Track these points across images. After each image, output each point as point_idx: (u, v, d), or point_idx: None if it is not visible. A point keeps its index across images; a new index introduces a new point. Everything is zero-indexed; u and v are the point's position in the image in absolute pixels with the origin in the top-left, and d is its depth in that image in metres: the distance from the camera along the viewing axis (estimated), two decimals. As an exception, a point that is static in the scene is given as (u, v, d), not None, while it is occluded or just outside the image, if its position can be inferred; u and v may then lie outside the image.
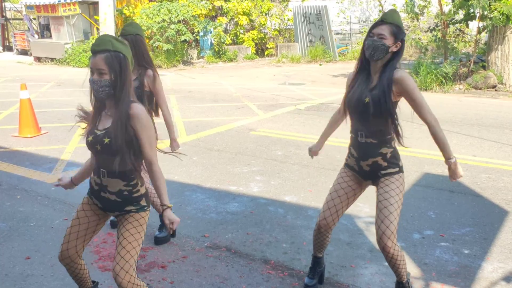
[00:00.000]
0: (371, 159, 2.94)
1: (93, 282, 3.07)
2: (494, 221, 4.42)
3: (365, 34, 17.32)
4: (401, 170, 3.00)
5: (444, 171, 5.79)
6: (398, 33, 2.82)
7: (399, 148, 3.01)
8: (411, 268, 3.63)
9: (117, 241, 2.68)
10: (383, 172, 2.95)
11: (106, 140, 2.52)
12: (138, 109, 2.52)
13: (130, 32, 3.83)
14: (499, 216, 4.54)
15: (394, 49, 2.83)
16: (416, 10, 12.76)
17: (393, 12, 2.87)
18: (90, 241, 2.86)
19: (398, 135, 2.91)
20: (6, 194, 5.19)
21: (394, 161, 2.97)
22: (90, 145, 2.60)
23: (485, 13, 10.87)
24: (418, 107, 2.85)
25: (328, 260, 3.74)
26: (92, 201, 2.77)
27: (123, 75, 2.51)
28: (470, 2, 10.78)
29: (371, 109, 2.81)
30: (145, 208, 2.72)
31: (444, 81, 11.74)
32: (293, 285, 3.42)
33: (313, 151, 3.46)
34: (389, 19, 2.82)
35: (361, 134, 2.94)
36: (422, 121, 2.90)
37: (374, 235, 4.12)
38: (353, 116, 2.97)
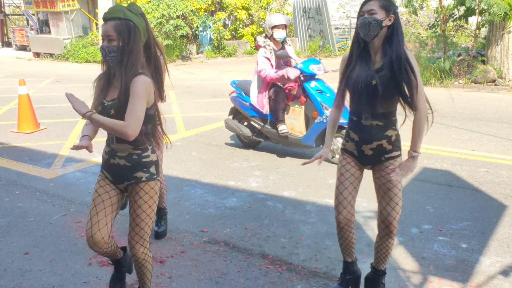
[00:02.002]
0: (376, 142, 2.85)
1: (122, 248, 3.09)
2: (492, 215, 4.43)
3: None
4: (401, 154, 2.94)
5: (443, 165, 5.80)
6: (389, 6, 2.70)
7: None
8: (409, 262, 3.64)
9: (132, 212, 2.73)
10: (387, 156, 2.88)
11: (112, 111, 2.57)
12: (139, 79, 2.53)
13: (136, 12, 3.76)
14: (497, 210, 4.55)
15: (388, 23, 2.71)
16: (415, 4, 12.71)
17: None
18: (114, 220, 2.85)
19: (411, 105, 2.79)
20: (5, 190, 5.19)
21: (398, 144, 2.91)
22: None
23: (484, 7, 10.84)
24: (416, 91, 2.74)
25: (326, 255, 3.75)
26: (105, 175, 2.79)
27: (131, 43, 2.55)
28: None
29: (380, 91, 2.71)
30: (155, 176, 2.73)
31: (443, 75, 11.72)
32: (291, 279, 3.43)
33: (321, 156, 3.12)
34: None
35: (366, 116, 2.83)
36: (411, 108, 2.80)
37: (372, 229, 4.15)
38: (357, 98, 2.84)
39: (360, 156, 2.94)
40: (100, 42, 2.86)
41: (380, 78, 2.73)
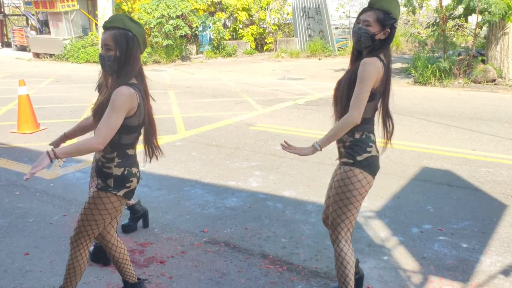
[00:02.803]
0: (337, 144, 2.89)
1: (139, 279, 3.12)
2: (493, 215, 4.43)
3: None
4: (356, 165, 2.76)
5: (443, 165, 5.80)
6: (385, 20, 2.66)
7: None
8: (409, 262, 3.63)
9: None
10: (342, 159, 2.85)
11: (93, 115, 2.72)
12: (119, 90, 2.54)
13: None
14: (498, 210, 4.55)
15: (382, 37, 2.68)
16: (415, 3, 12.71)
17: None
18: (117, 221, 3.02)
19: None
20: (5, 190, 5.19)
21: (350, 152, 2.77)
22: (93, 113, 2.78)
23: (484, 6, 10.83)
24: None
25: (326, 255, 3.75)
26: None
27: (128, 53, 2.59)
28: None
29: (340, 93, 2.79)
30: (110, 189, 2.69)
31: (442, 75, 11.72)
32: (292, 279, 3.42)
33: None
34: (376, 5, 2.68)
35: (336, 116, 2.90)
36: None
37: (372, 229, 4.15)
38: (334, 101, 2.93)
39: (340, 155, 2.95)
40: (100, 42, 2.91)
41: (343, 81, 2.79)
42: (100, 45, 2.66)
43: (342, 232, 2.87)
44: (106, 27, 2.61)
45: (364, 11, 2.74)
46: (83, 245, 2.85)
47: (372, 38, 2.68)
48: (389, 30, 2.70)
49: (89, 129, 3.08)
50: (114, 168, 2.69)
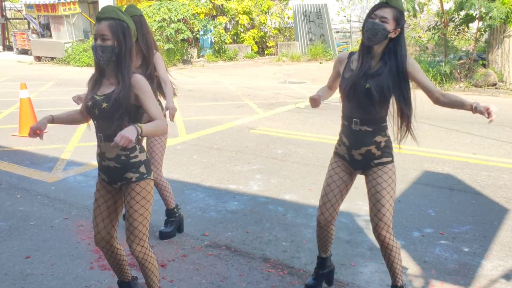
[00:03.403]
0: (365, 148, 2.85)
1: (133, 277, 3.13)
2: (494, 219, 4.42)
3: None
4: (393, 160, 2.92)
5: (444, 169, 5.79)
6: (400, 19, 2.68)
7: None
8: (411, 266, 3.63)
9: (126, 213, 2.76)
10: (376, 161, 2.87)
11: (104, 105, 2.61)
12: (138, 77, 2.63)
13: (134, 13, 3.81)
14: (499, 214, 4.54)
15: (393, 36, 2.70)
16: (416, 7, 12.72)
17: None
18: (118, 221, 2.92)
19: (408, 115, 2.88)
20: (6, 193, 5.19)
21: (388, 150, 2.89)
22: (89, 110, 2.70)
23: (484, 11, 10.85)
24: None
25: (328, 258, 3.74)
26: (101, 177, 2.84)
27: (125, 43, 2.60)
28: (467, 3, 10.75)
29: (373, 95, 2.72)
30: (145, 176, 2.75)
31: (444, 79, 11.73)
32: (293, 283, 3.42)
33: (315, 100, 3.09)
34: (393, 2, 2.68)
35: (356, 121, 2.83)
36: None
37: (374, 233, 4.14)
38: (349, 102, 2.85)
39: (351, 160, 2.95)
40: (94, 33, 2.91)
41: (376, 82, 2.72)
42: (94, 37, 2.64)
43: (391, 226, 2.89)
44: (100, 17, 2.59)
45: (380, 6, 2.70)
46: (148, 243, 2.82)
47: (387, 35, 2.68)
48: (400, 29, 2.71)
49: (78, 122, 3.00)
50: (140, 154, 2.74)
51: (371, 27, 2.68)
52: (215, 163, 6.20)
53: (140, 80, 2.63)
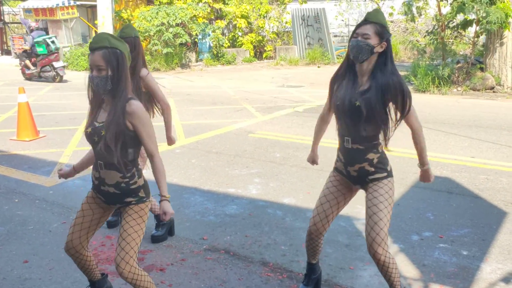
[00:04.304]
0: (358, 165, 2.88)
1: (102, 274, 3.15)
2: (493, 222, 4.42)
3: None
4: (389, 175, 2.92)
5: (442, 172, 5.80)
6: (383, 33, 2.73)
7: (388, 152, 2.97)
8: (410, 270, 3.63)
9: (119, 233, 2.77)
10: (370, 177, 2.89)
11: (103, 132, 2.63)
12: (135, 105, 2.64)
13: (129, 35, 3.88)
14: (498, 217, 4.54)
15: (380, 50, 2.73)
16: (414, 11, 12.76)
17: (377, 11, 2.80)
18: (94, 233, 2.96)
19: (385, 137, 2.86)
20: (4, 198, 5.18)
21: (381, 166, 2.89)
22: (89, 137, 2.72)
23: (482, 15, 10.88)
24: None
25: (327, 262, 3.74)
26: (96, 195, 2.86)
27: (120, 70, 2.62)
28: (467, 6, 10.79)
29: (363, 113, 2.73)
30: (144, 199, 2.80)
31: (441, 83, 11.75)
32: (292, 287, 3.41)
33: (313, 161, 3.48)
34: (373, 19, 2.75)
35: (347, 140, 2.86)
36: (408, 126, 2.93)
37: (373, 236, 4.13)
38: (341, 120, 2.88)
39: (348, 176, 2.98)
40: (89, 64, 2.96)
41: (365, 100, 2.73)
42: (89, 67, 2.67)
43: (387, 242, 2.85)
44: (93, 47, 2.61)
45: (360, 25, 2.78)
46: (136, 263, 2.76)
47: (372, 50, 2.72)
48: (385, 43, 2.74)
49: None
50: (138, 180, 2.78)
51: (355, 45, 2.73)
52: (213, 167, 6.20)
53: (137, 110, 2.63)
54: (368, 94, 2.73)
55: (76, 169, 3.02)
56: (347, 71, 2.86)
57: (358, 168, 2.89)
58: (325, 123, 3.23)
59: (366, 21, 2.76)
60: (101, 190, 2.79)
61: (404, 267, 3.67)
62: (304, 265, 3.69)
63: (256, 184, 5.53)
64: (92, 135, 2.69)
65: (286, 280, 3.50)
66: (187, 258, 3.84)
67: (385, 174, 2.90)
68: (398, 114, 2.82)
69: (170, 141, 4.28)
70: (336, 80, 2.93)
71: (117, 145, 2.61)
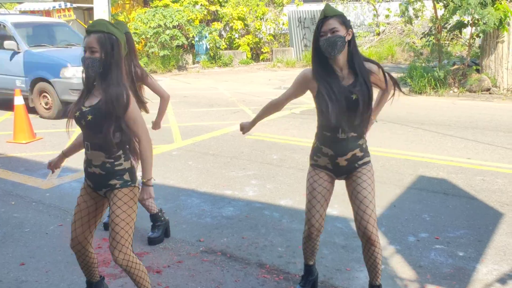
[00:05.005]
0: (351, 152, 2.92)
1: (100, 276, 3.17)
2: (489, 223, 4.44)
3: (360, 39, 17.23)
4: (370, 160, 3.04)
5: (439, 173, 5.82)
6: (346, 21, 2.79)
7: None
8: (406, 271, 3.64)
9: (110, 220, 2.80)
10: (360, 162, 2.96)
11: (89, 117, 2.69)
12: (130, 97, 2.71)
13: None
14: (494, 218, 4.56)
15: (349, 38, 2.78)
16: (410, 13, 12.81)
17: (330, 6, 2.84)
18: (95, 228, 2.99)
19: (398, 86, 3.04)
20: (0, 200, 5.17)
21: (367, 149, 3.02)
22: (77, 120, 2.78)
23: (477, 17, 10.93)
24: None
25: (323, 264, 3.75)
26: (87, 183, 2.91)
27: (114, 56, 2.67)
28: (462, 7, 10.83)
29: (360, 105, 2.80)
30: (129, 183, 2.82)
31: (438, 84, 11.79)
32: (289, 288, 3.42)
33: (245, 128, 3.48)
34: (332, 13, 2.78)
35: (342, 130, 2.87)
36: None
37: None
38: (335, 114, 2.83)
39: (335, 168, 2.99)
40: (83, 45, 3.01)
41: (359, 92, 2.80)
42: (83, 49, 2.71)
43: (376, 220, 2.97)
44: (90, 31, 2.67)
45: (322, 21, 2.77)
46: (131, 250, 2.82)
47: (344, 41, 2.75)
48: (351, 30, 2.80)
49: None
50: (124, 163, 2.81)
51: (329, 42, 2.73)
52: (210, 168, 6.20)
53: (131, 101, 2.70)
54: (359, 86, 2.80)
55: (65, 154, 3.11)
56: (323, 69, 2.84)
57: (351, 155, 2.92)
58: (275, 110, 3.32)
59: (327, 17, 2.77)
60: (88, 172, 2.84)
61: (400, 268, 3.68)
62: (301, 267, 3.70)
63: (253, 186, 5.54)
64: (79, 119, 2.74)
65: (283, 282, 3.51)
66: (184, 260, 3.84)
67: (369, 158, 3.02)
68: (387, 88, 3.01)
69: (156, 126, 4.27)
70: (315, 81, 2.88)
71: (105, 127, 2.67)
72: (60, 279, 3.57)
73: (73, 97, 8.90)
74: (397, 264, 3.72)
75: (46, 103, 9.52)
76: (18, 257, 3.91)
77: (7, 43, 9.62)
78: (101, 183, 2.82)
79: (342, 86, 2.82)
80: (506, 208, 4.78)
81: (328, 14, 2.77)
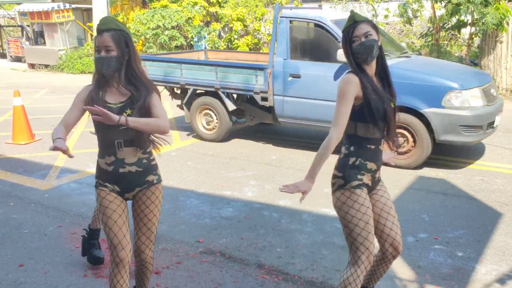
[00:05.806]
0: (381, 165, 2.81)
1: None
2: (488, 223, 4.44)
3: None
4: None
5: (438, 174, 5.81)
6: (376, 26, 2.67)
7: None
8: (405, 271, 3.63)
9: (137, 217, 2.79)
10: (379, 175, 2.85)
11: (128, 111, 2.61)
12: (154, 86, 2.77)
13: None
14: (493, 218, 4.56)
15: (380, 43, 2.67)
16: (409, 14, 12.81)
17: (356, 12, 2.72)
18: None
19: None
20: (-1, 201, 5.17)
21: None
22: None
23: (477, 17, 10.94)
24: None
25: (322, 264, 3.75)
26: (109, 188, 2.73)
27: (130, 51, 2.66)
28: (462, 7, 10.85)
29: (395, 113, 2.72)
30: (161, 179, 2.87)
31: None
32: (288, 289, 3.42)
33: (306, 194, 2.90)
34: (360, 18, 2.65)
35: (382, 141, 2.73)
36: None
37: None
38: (378, 125, 2.65)
39: (373, 184, 2.81)
40: (95, 46, 2.89)
41: (394, 100, 2.71)
42: (95, 49, 2.64)
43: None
44: (101, 29, 2.59)
45: (354, 26, 2.61)
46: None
47: (377, 44, 2.63)
48: (380, 35, 2.71)
49: (71, 128, 2.85)
50: (155, 158, 2.85)
51: (365, 47, 2.58)
52: (209, 169, 6.20)
53: (154, 88, 2.74)
54: (392, 94, 2.72)
55: (64, 139, 2.68)
56: (361, 76, 2.62)
57: (377, 167, 2.77)
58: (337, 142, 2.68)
59: (356, 22, 2.63)
60: (119, 175, 2.67)
61: (400, 268, 3.67)
62: (300, 268, 3.70)
63: (252, 187, 5.53)
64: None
65: (282, 283, 3.50)
66: (183, 261, 3.84)
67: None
68: None
69: None
70: (365, 87, 2.61)
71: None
72: (59, 280, 3.56)
73: (463, 137, 5.80)
74: (396, 265, 3.72)
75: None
76: (17, 259, 3.90)
77: (340, 53, 5.88)
78: (135, 182, 2.71)
79: (383, 94, 2.65)
80: (505, 208, 4.78)
81: (358, 19, 2.63)
